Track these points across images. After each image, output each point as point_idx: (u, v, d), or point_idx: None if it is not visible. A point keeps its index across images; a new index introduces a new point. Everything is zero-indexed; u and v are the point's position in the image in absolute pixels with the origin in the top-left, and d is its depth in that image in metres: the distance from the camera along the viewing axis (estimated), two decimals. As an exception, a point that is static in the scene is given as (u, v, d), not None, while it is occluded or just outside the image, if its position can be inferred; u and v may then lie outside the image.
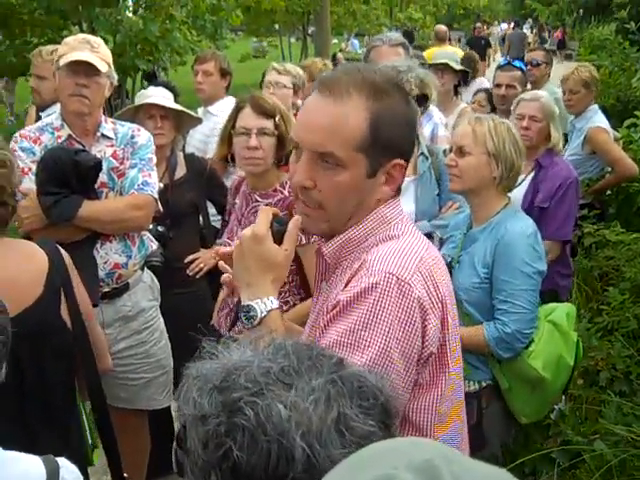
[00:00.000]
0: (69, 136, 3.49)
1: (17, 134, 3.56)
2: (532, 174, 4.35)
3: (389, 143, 1.73)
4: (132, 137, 3.56)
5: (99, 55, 3.41)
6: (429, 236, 3.52)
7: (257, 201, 3.29)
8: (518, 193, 4.23)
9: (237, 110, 3.32)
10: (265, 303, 1.77)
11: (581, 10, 14.56)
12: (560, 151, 4.64)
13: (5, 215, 2.48)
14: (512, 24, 37.24)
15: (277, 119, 3.23)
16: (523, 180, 4.29)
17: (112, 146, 3.52)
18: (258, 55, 23.64)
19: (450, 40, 14.32)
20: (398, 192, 1.85)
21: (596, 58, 9.77)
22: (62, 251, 2.64)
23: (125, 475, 2.94)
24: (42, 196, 3.29)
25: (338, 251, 1.81)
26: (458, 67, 5.63)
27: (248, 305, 1.78)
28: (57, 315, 2.49)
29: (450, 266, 3.20)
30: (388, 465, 0.71)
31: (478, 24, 27.06)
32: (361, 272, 1.70)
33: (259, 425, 1.04)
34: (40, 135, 3.51)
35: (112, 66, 3.51)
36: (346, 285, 1.73)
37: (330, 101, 1.71)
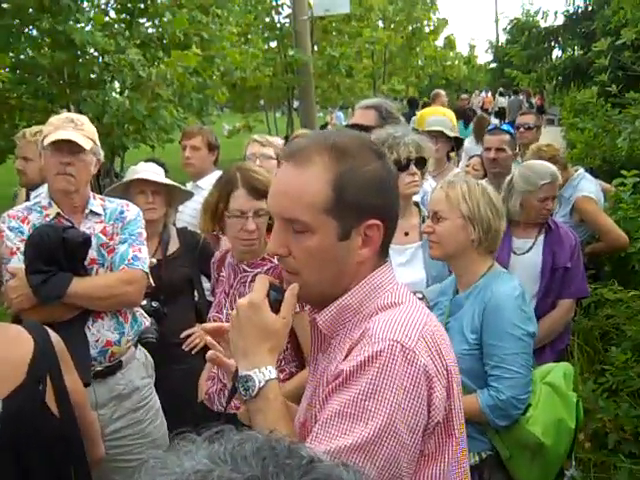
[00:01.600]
0: (57, 214, 3.46)
1: (5, 214, 3.52)
2: (542, 237, 4.31)
3: (358, 203, 1.68)
4: (121, 212, 3.53)
5: (83, 132, 3.40)
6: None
7: (245, 271, 3.24)
8: (534, 256, 4.25)
9: (229, 190, 3.20)
10: (263, 373, 1.71)
11: (560, 77, 14.77)
12: None
13: None
14: (489, 93, 38.01)
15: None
16: (534, 244, 4.29)
17: (101, 222, 3.50)
18: (240, 130, 23.71)
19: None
20: (384, 255, 1.81)
21: (579, 121, 9.88)
22: (52, 334, 2.52)
23: None
24: (31, 275, 3.23)
25: (333, 320, 1.76)
26: (452, 134, 5.68)
27: (246, 375, 1.72)
28: (41, 403, 2.36)
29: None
30: None
31: (464, 95, 27.45)
32: (364, 340, 1.64)
33: None
34: (28, 214, 3.48)
35: (97, 142, 3.50)
36: (347, 355, 1.67)
37: (293, 168, 1.71)
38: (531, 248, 4.28)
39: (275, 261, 3.18)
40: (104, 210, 3.53)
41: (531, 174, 4.34)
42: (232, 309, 3.15)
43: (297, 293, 1.76)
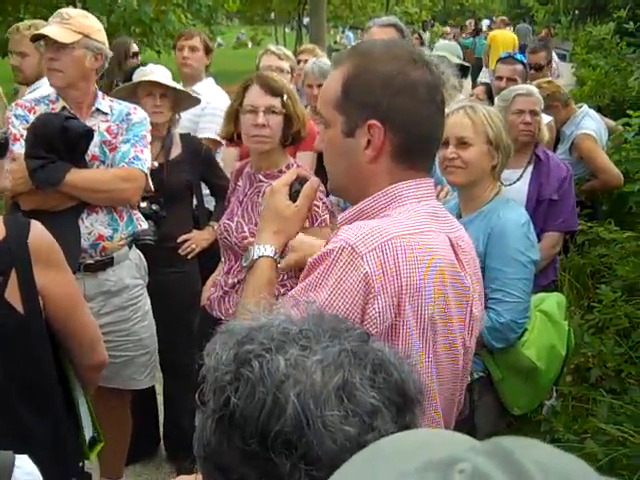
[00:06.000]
0: (63, 108, 3.46)
1: (13, 103, 3.56)
2: (531, 167, 4.27)
3: (359, 101, 1.71)
4: (127, 114, 3.55)
5: (69, 27, 3.34)
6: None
7: (261, 181, 3.27)
8: (521, 187, 4.19)
9: (244, 88, 3.29)
10: (259, 249, 1.91)
11: (577, 10, 14.55)
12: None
13: None
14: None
15: (284, 98, 3.21)
16: (522, 174, 4.25)
17: (107, 121, 3.52)
18: (244, 44, 23.34)
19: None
20: (407, 164, 1.73)
21: (592, 58, 9.75)
22: (34, 232, 2.32)
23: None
24: (29, 159, 3.27)
25: (350, 222, 1.77)
26: (456, 61, 5.62)
27: (249, 248, 1.95)
28: None
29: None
30: (443, 450, 0.59)
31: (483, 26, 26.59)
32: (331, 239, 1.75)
33: (261, 377, 1.06)
34: (35, 105, 3.50)
35: (96, 37, 3.42)
36: None
37: (331, 72, 1.84)
38: (519, 179, 4.23)
39: None
40: (111, 110, 3.55)
41: (506, 91, 4.36)
42: (244, 218, 3.21)
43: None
